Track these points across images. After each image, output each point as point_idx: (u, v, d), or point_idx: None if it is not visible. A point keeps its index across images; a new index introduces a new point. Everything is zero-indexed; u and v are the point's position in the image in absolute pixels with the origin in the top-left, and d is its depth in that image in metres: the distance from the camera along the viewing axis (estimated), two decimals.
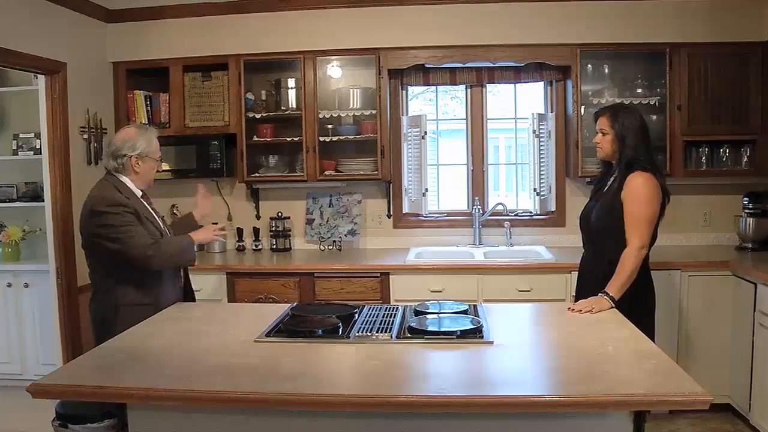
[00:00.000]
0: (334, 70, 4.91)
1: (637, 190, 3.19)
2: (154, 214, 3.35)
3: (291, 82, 4.89)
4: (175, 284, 3.39)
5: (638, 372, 2.21)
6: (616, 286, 3.09)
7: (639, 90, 4.70)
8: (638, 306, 3.16)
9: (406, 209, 5.23)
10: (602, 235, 3.35)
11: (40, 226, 5.10)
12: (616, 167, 3.35)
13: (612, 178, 3.37)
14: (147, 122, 4.94)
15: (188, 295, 3.53)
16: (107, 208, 3.11)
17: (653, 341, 2.60)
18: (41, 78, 4.39)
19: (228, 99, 4.90)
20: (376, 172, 4.84)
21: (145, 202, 3.33)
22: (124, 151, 3.22)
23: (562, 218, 5.07)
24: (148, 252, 3.09)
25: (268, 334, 2.66)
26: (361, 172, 4.90)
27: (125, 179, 3.25)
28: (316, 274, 4.51)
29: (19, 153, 5.35)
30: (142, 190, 3.34)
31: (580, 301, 3.09)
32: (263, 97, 4.98)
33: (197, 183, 3.84)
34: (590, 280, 3.33)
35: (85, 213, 3.19)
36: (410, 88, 5.30)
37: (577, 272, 3.69)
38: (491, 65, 4.92)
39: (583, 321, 2.88)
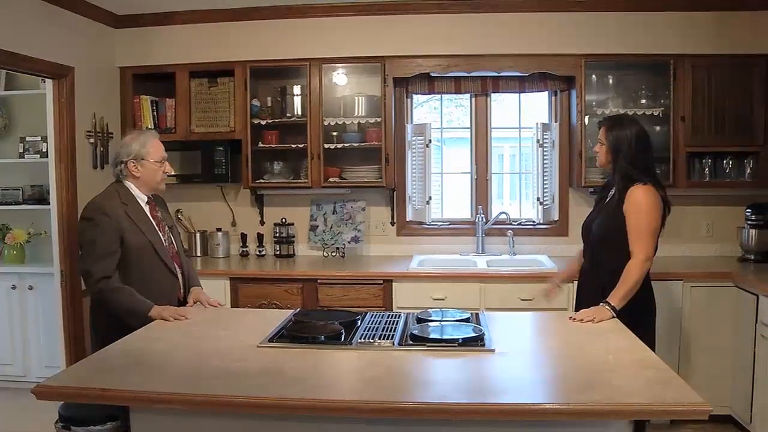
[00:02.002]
0: (339, 78, 4.94)
1: (639, 203, 3.20)
2: (155, 223, 3.31)
3: (296, 89, 4.92)
4: (173, 294, 3.34)
5: (638, 381, 2.22)
6: (618, 296, 3.09)
7: (643, 101, 4.72)
8: (639, 315, 3.16)
9: (409, 217, 5.24)
10: (602, 246, 3.36)
11: (45, 229, 5.13)
12: (613, 178, 3.38)
13: (613, 190, 3.38)
14: (153, 127, 4.95)
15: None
16: (87, 213, 3.17)
17: (653, 351, 2.61)
18: (49, 82, 4.42)
19: (234, 105, 4.92)
20: (380, 180, 4.86)
21: (148, 210, 3.31)
22: (121, 158, 3.25)
23: (565, 228, 5.08)
24: (95, 287, 3.10)
25: (271, 340, 2.68)
26: (366, 180, 4.92)
27: (129, 185, 3.27)
28: (319, 281, 4.52)
29: (26, 156, 5.39)
30: (150, 196, 3.35)
31: (582, 310, 3.10)
32: (269, 104, 5.00)
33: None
34: (590, 291, 3.34)
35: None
36: (415, 97, 5.32)
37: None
38: (496, 75, 4.94)
39: (584, 330, 2.89)
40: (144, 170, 3.27)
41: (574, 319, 3.02)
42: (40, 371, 5.03)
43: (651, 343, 3.09)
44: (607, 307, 3.05)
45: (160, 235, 3.31)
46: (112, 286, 3.08)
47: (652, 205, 3.20)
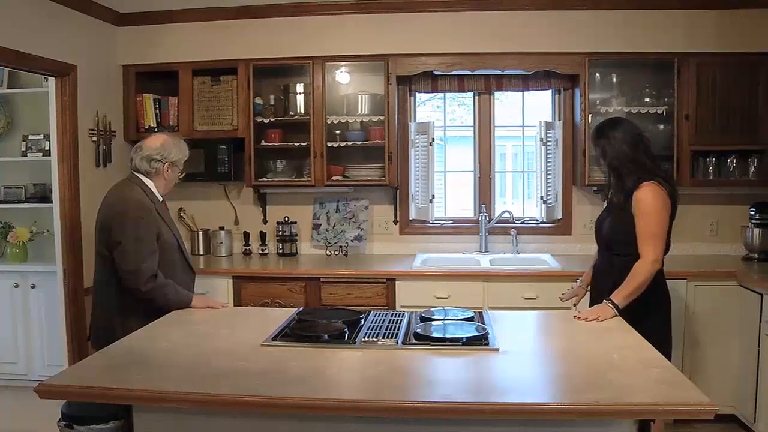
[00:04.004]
0: (342, 76, 4.93)
1: (646, 204, 3.16)
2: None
3: (300, 88, 4.90)
4: (191, 291, 3.41)
5: (643, 381, 2.21)
6: (622, 295, 3.07)
7: (647, 99, 4.70)
8: (655, 314, 3.19)
9: (412, 215, 5.24)
10: (614, 247, 3.35)
11: (47, 227, 5.13)
12: (610, 182, 3.40)
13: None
14: (155, 126, 4.97)
15: None
16: (129, 210, 3.15)
17: (670, 348, 2.59)
18: (51, 80, 4.41)
19: (237, 103, 4.92)
20: (383, 178, 4.85)
21: (164, 208, 3.38)
22: (159, 157, 3.28)
23: (569, 226, 5.06)
24: (146, 286, 3.09)
25: (274, 339, 2.67)
26: (369, 178, 4.91)
27: (149, 182, 3.30)
28: (322, 279, 4.51)
29: (29, 154, 5.38)
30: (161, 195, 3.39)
31: (586, 309, 3.11)
32: (272, 102, 4.99)
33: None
34: (602, 290, 3.31)
35: (111, 211, 3.20)
36: (418, 95, 5.32)
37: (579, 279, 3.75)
38: (500, 73, 4.93)
39: (589, 329, 2.88)
40: (172, 175, 3.37)
41: (579, 317, 3.02)
42: (43, 370, 5.04)
43: (667, 340, 3.19)
44: (609, 304, 3.05)
45: (177, 232, 3.41)
46: (161, 283, 3.13)
47: (659, 206, 3.17)
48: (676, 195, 3.25)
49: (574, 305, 3.77)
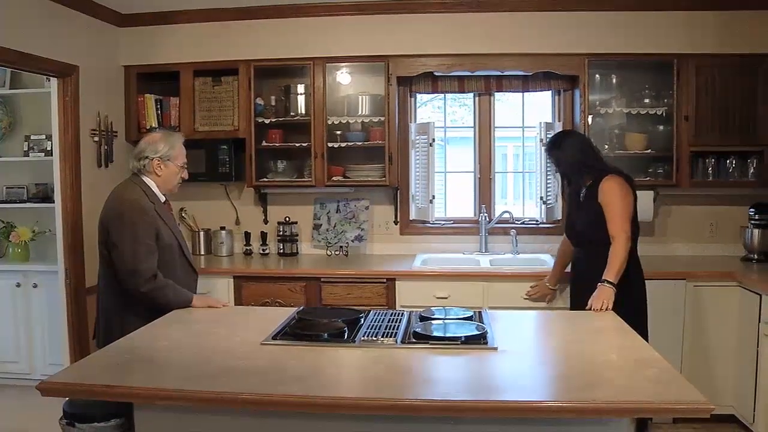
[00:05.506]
0: (343, 77, 4.94)
1: (612, 191, 3.56)
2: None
3: (300, 88, 4.92)
4: (194, 292, 3.43)
5: (641, 380, 2.22)
6: (613, 273, 3.38)
7: (646, 100, 4.71)
8: (629, 298, 3.46)
9: (413, 216, 5.25)
10: (596, 244, 3.58)
11: (49, 227, 5.15)
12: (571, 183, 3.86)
13: (582, 191, 3.73)
14: (157, 126, 4.98)
15: None
16: (125, 210, 3.16)
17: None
18: (53, 81, 4.43)
19: (238, 104, 4.93)
20: (383, 179, 4.86)
21: (167, 209, 3.39)
22: (146, 153, 3.29)
23: None
24: (145, 286, 3.11)
25: (274, 337, 2.69)
26: (369, 179, 4.92)
27: (149, 182, 3.31)
28: (322, 279, 4.53)
29: (30, 154, 5.40)
30: (165, 196, 3.40)
31: (592, 300, 3.29)
32: (273, 103, 5.01)
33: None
34: (593, 278, 3.45)
35: (109, 212, 3.22)
36: (419, 96, 5.33)
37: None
38: (499, 74, 4.95)
39: (587, 328, 2.90)
40: (166, 171, 3.34)
41: (596, 310, 3.23)
42: (45, 369, 5.05)
43: (644, 324, 3.48)
44: (606, 284, 3.34)
45: (180, 235, 3.41)
46: (161, 283, 3.14)
47: (624, 191, 3.56)
48: (634, 186, 3.66)
49: (548, 302, 4.23)
